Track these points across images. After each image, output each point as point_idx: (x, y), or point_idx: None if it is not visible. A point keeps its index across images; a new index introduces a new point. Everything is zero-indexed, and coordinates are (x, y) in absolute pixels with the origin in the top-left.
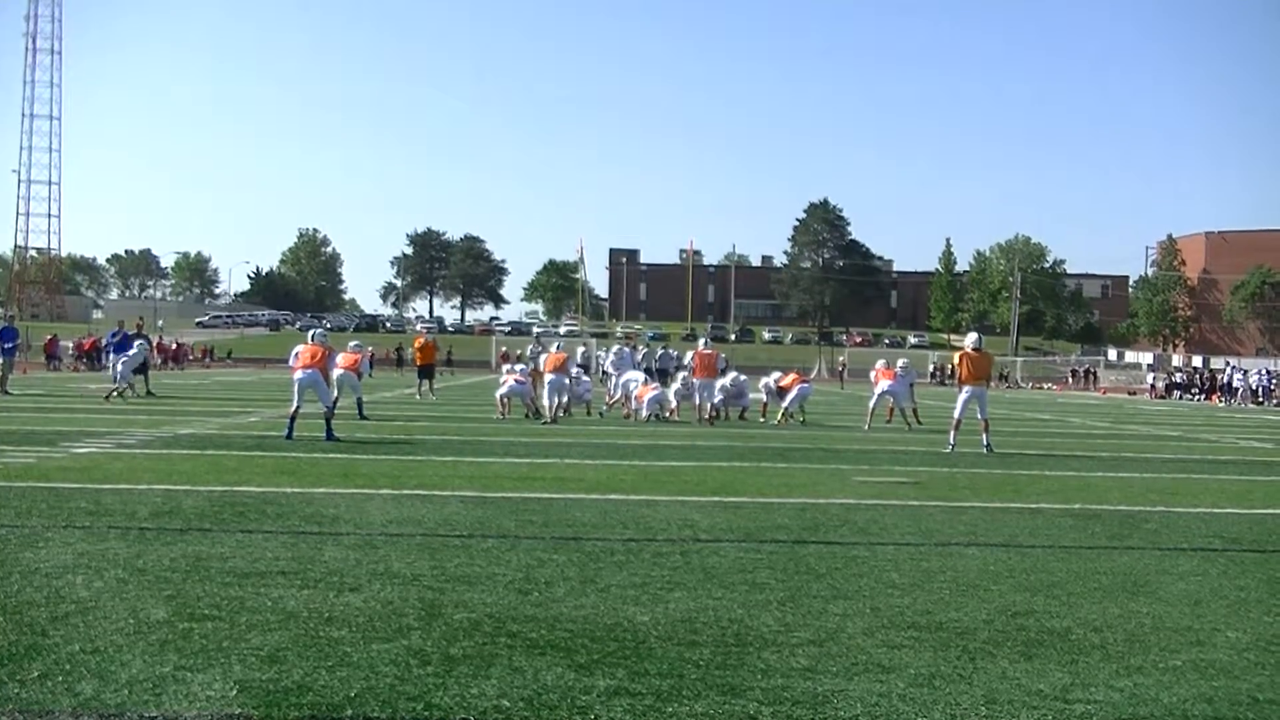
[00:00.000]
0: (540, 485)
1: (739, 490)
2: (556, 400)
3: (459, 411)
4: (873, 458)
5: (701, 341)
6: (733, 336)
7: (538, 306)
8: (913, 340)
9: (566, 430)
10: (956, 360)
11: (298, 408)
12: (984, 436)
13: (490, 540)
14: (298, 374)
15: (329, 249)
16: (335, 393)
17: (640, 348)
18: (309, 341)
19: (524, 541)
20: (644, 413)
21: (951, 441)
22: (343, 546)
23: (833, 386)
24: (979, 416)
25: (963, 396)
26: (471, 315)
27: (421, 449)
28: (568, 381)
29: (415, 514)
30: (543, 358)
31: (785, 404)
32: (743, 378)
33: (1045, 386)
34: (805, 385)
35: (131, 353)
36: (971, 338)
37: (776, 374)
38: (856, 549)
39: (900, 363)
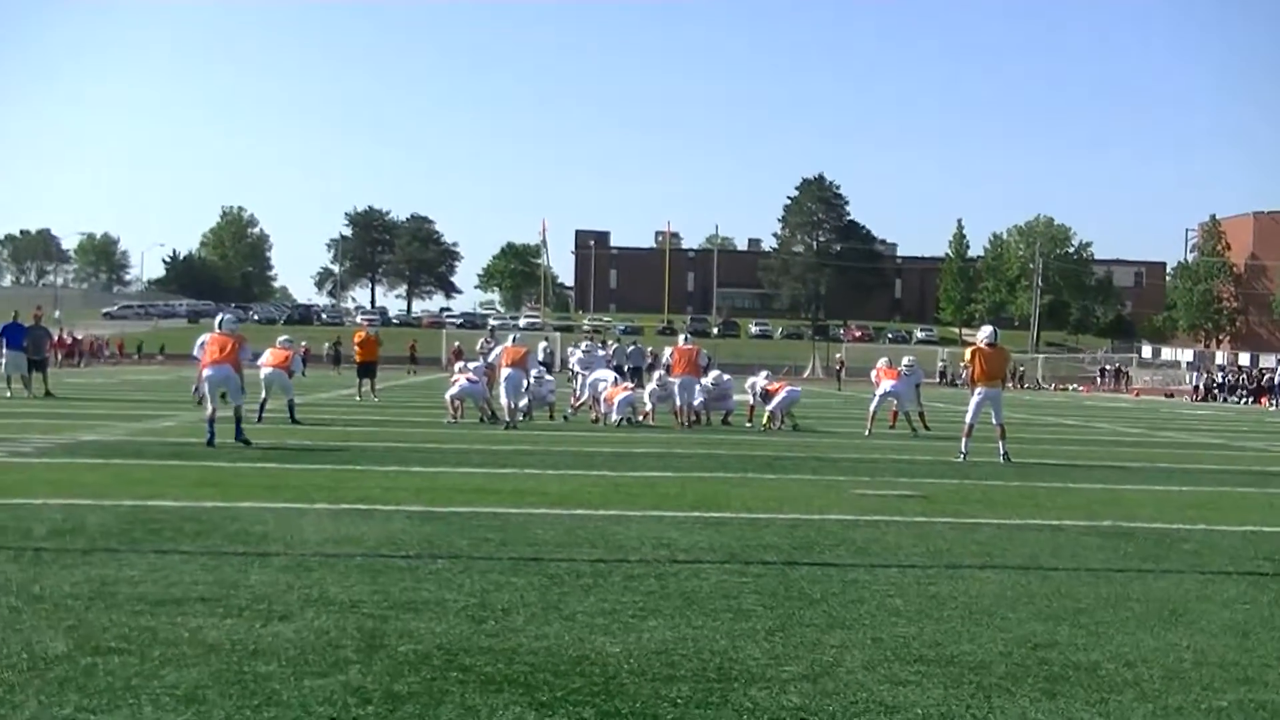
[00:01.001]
0: (497, 499)
1: (722, 505)
2: (515, 401)
3: (405, 415)
4: (874, 468)
5: (681, 337)
6: (715, 330)
7: (494, 296)
8: (919, 335)
9: (526, 436)
10: (969, 357)
11: (214, 409)
12: (1000, 444)
13: (440, 561)
14: (206, 371)
15: (256, 230)
16: (264, 393)
17: (610, 343)
18: (216, 330)
19: (478, 562)
20: (614, 416)
21: (963, 450)
22: (271, 569)
23: (829, 387)
24: (994, 421)
25: (976, 399)
26: (419, 306)
27: (362, 458)
28: (527, 380)
29: (354, 531)
30: (498, 351)
31: (770, 407)
32: (726, 377)
33: (1070, 388)
34: (793, 390)
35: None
36: (986, 331)
37: (765, 374)
38: (855, 571)
39: (905, 360)
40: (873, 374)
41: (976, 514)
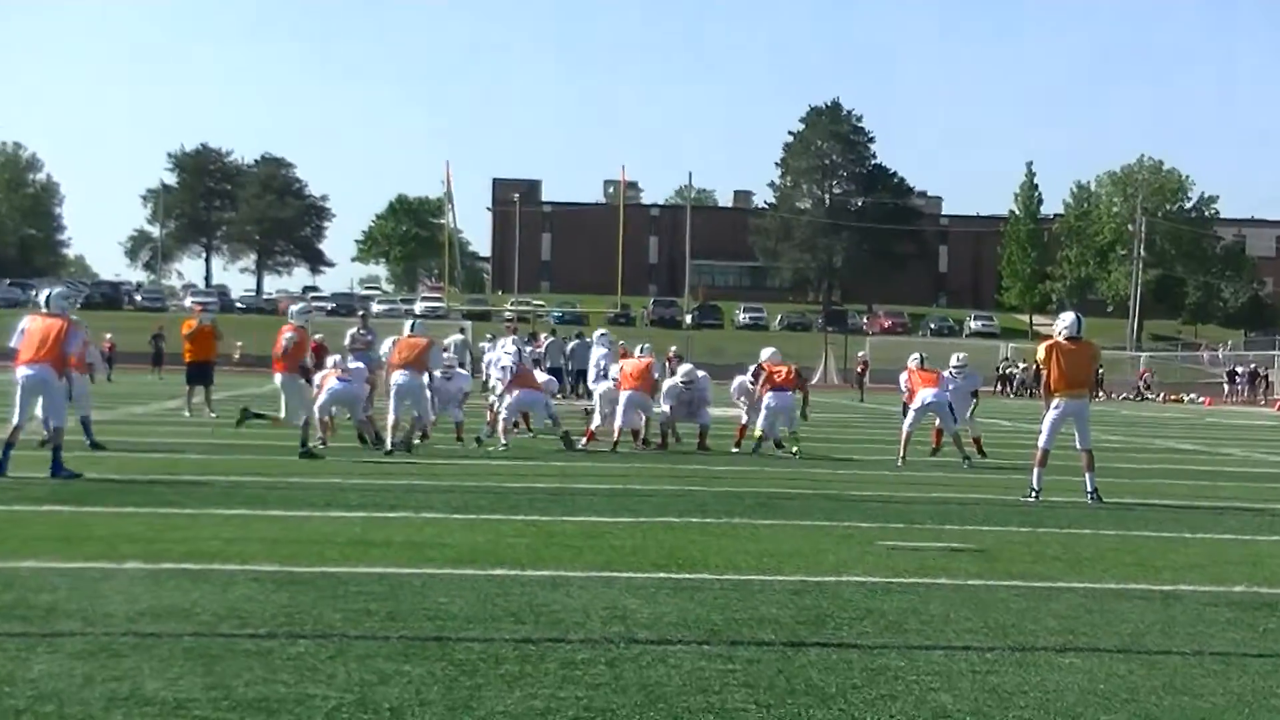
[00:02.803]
0: (383, 554)
1: (699, 562)
2: (405, 416)
3: (254, 436)
4: (909, 511)
5: (640, 348)
6: (689, 318)
7: (379, 270)
8: (973, 325)
9: (424, 465)
10: (1042, 355)
11: (19, 424)
12: (1087, 478)
13: (303, 642)
14: (20, 370)
15: (41, 176)
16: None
17: (542, 336)
18: (43, 311)
19: (357, 644)
20: (502, 423)
21: (1034, 485)
22: (63, 655)
23: (846, 396)
24: (1077, 446)
25: (1052, 415)
26: (273, 283)
27: (193, 497)
28: (429, 385)
29: (182, 601)
30: (388, 346)
31: (760, 423)
32: (702, 374)
33: (1187, 398)
34: (782, 394)
35: None
36: (1066, 320)
37: (769, 353)
38: (885, 656)
39: (954, 360)
40: (902, 379)
41: (1055, 575)
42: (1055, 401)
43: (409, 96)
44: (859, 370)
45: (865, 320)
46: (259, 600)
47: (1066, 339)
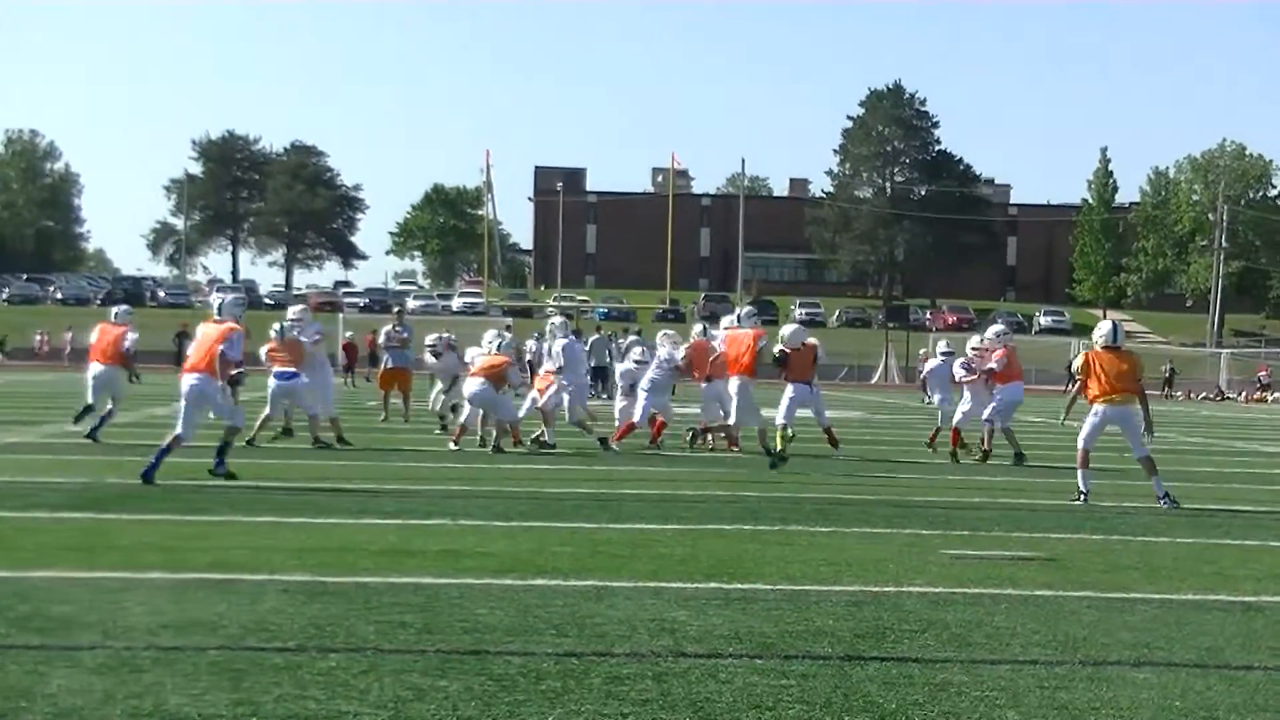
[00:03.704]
0: (418, 563)
1: (751, 572)
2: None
3: (283, 438)
4: (976, 517)
5: (698, 327)
6: (740, 313)
7: (414, 264)
8: (1043, 321)
9: (462, 469)
10: (1079, 364)
11: (181, 435)
12: (1154, 483)
13: (334, 656)
14: (184, 379)
15: (59, 165)
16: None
17: (590, 334)
18: (216, 318)
19: (390, 658)
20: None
21: (1082, 487)
22: (82, 669)
23: (909, 396)
24: (1135, 454)
25: (1092, 420)
26: (303, 278)
27: (218, 503)
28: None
29: (206, 613)
30: (470, 355)
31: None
32: None
33: (1271, 397)
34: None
35: None
36: (1105, 328)
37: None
38: (948, 670)
39: (992, 330)
40: (956, 369)
41: (1129, 586)
42: (1095, 409)
43: (446, 80)
44: (922, 369)
45: (928, 316)
46: (288, 612)
47: (1104, 348)
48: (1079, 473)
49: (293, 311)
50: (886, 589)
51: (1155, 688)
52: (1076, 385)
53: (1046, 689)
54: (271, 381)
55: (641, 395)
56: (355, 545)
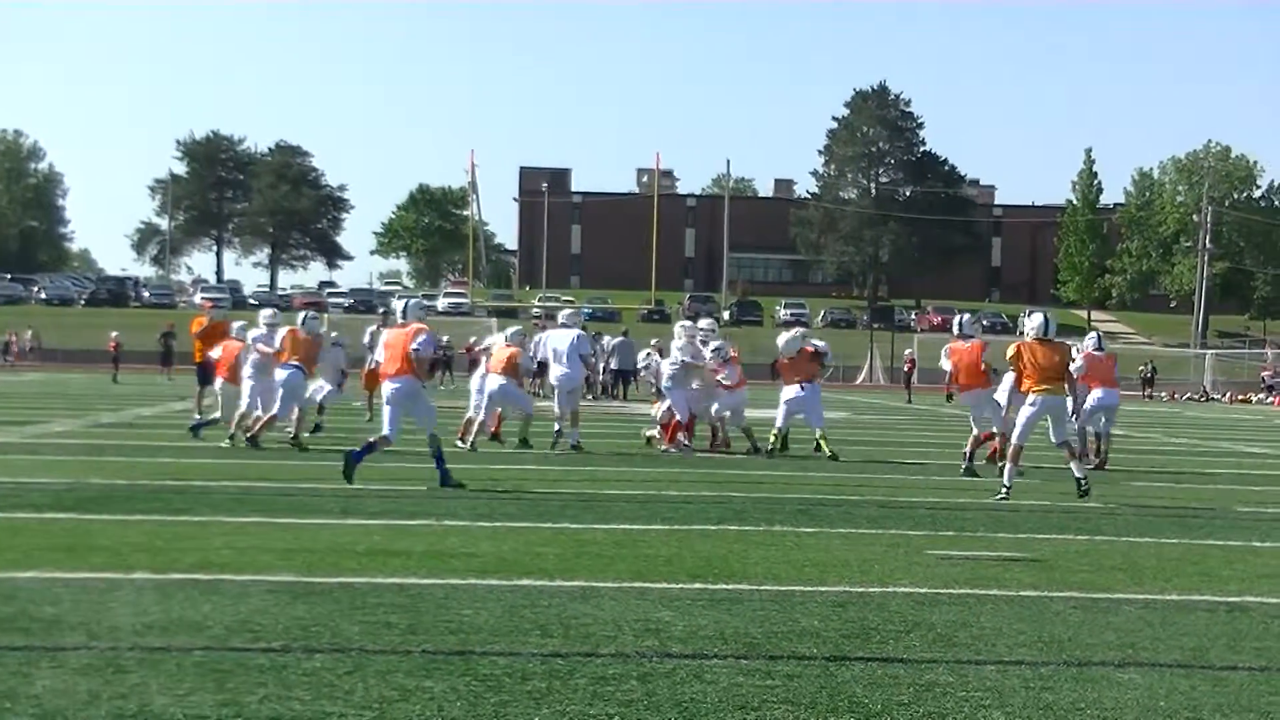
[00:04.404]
0: (403, 564)
1: (737, 572)
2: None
3: (268, 440)
4: (961, 517)
5: (697, 324)
6: (726, 314)
7: (399, 264)
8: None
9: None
10: (1011, 353)
11: (388, 435)
12: (1073, 466)
13: (319, 657)
14: (386, 385)
15: (43, 165)
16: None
17: (616, 336)
18: (400, 322)
19: (375, 658)
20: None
21: (1006, 483)
22: (67, 670)
23: (894, 396)
24: (1052, 440)
25: (1029, 411)
26: (288, 278)
27: (203, 504)
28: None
29: (192, 613)
30: (492, 342)
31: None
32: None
33: (1257, 398)
34: (732, 394)
35: None
36: (1037, 321)
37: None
38: (934, 671)
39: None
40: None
41: (1114, 587)
42: (1031, 398)
43: (431, 81)
44: (906, 369)
45: (914, 317)
46: (273, 613)
47: (1037, 340)
48: (1007, 468)
49: (266, 315)
50: (872, 589)
51: (1140, 688)
52: (1011, 377)
53: (1032, 689)
54: (280, 374)
55: (666, 395)
56: (340, 546)
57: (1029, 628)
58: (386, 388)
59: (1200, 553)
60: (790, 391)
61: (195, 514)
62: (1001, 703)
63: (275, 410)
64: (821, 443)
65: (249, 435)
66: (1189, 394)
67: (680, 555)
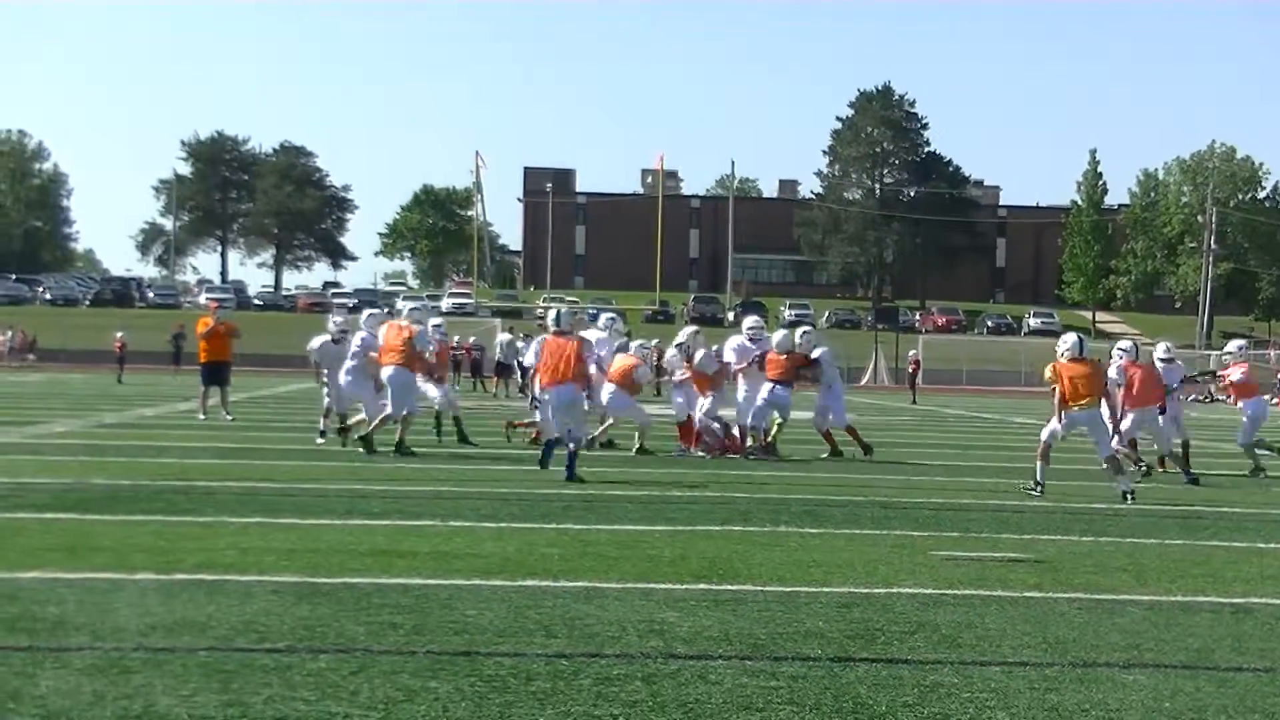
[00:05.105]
0: (408, 564)
1: (741, 573)
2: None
3: (272, 440)
4: (966, 518)
5: (693, 349)
6: (731, 314)
7: (403, 265)
8: (1033, 322)
9: (451, 470)
10: (1049, 375)
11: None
12: (1120, 481)
13: (324, 657)
14: (546, 392)
15: (48, 165)
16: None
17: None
18: (553, 330)
19: (380, 659)
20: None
21: (1038, 479)
22: (71, 671)
23: (898, 398)
24: (1101, 454)
25: (1058, 424)
26: (293, 279)
27: (207, 504)
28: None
29: (196, 613)
30: (607, 350)
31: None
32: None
33: (1260, 399)
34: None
35: None
36: (1070, 341)
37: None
38: (939, 672)
39: (1161, 350)
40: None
41: (1119, 588)
42: (1066, 414)
43: (435, 81)
44: (911, 370)
45: (918, 317)
46: (277, 613)
47: (1070, 360)
48: (1038, 465)
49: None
50: (877, 590)
51: (1145, 689)
52: (1055, 396)
53: (1037, 690)
54: (387, 372)
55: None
56: (344, 546)
57: (1033, 629)
58: (557, 394)
59: (1205, 554)
60: (767, 389)
61: (199, 514)
62: (1006, 704)
63: (390, 410)
64: (776, 434)
65: (362, 435)
66: (1193, 395)
67: (685, 556)
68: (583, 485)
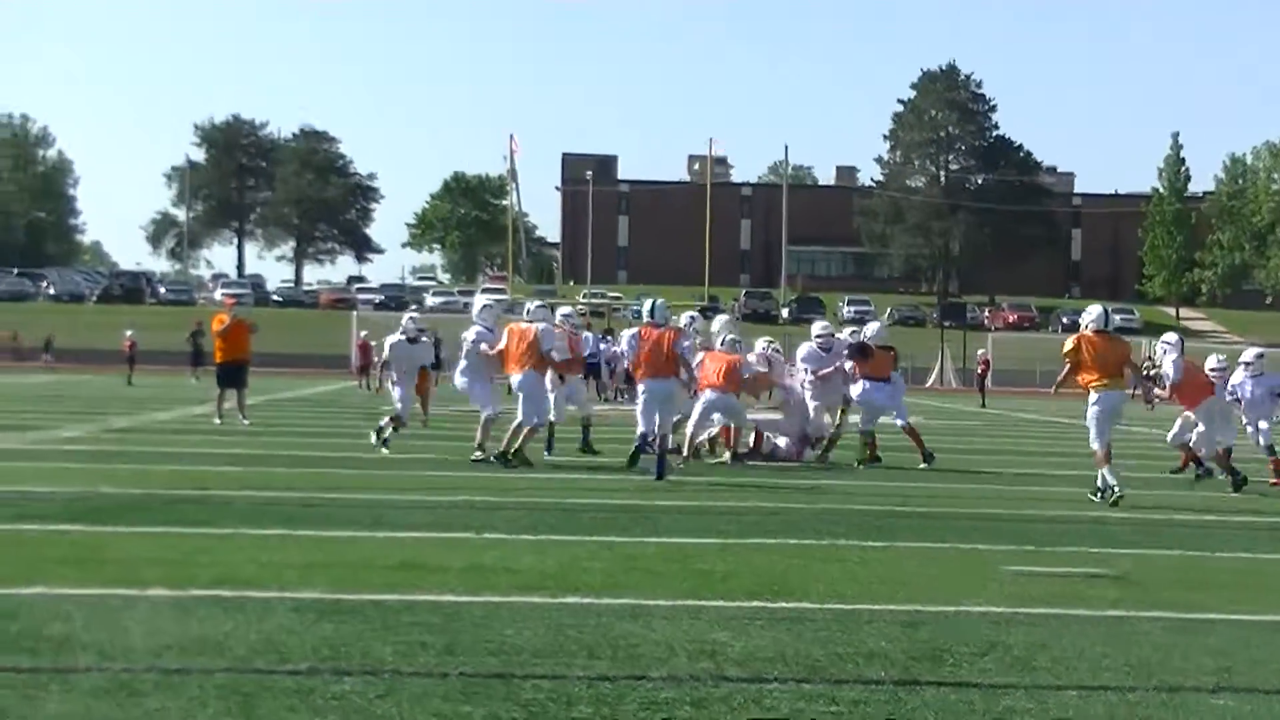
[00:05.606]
0: (439, 580)
1: (798, 589)
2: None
3: (293, 446)
4: (1040, 531)
5: (720, 338)
6: (785, 311)
7: (433, 258)
8: (1112, 320)
9: (486, 479)
10: (1070, 347)
11: (647, 430)
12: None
13: (349, 680)
14: (643, 384)
15: (52, 152)
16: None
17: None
18: (648, 321)
19: (409, 682)
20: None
21: (1111, 482)
22: (79, 693)
23: (967, 401)
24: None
25: (1094, 410)
26: (314, 273)
27: (224, 515)
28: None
29: (212, 632)
30: (706, 346)
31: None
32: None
33: None
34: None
35: None
36: (1095, 313)
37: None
38: (1010, 696)
39: (1250, 355)
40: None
41: (1208, 605)
42: (1094, 397)
43: (467, 61)
44: (979, 371)
45: (987, 314)
46: (299, 632)
47: (1094, 332)
48: (1102, 471)
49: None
50: (943, 608)
51: (1236, 714)
52: (1067, 367)
53: (1117, 716)
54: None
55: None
56: (371, 560)
57: (1113, 650)
58: (651, 387)
59: None
60: (861, 388)
61: (215, 526)
62: None
63: (521, 419)
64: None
65: (503, 451)
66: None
67: (736, 571)
68: (628, 495)
